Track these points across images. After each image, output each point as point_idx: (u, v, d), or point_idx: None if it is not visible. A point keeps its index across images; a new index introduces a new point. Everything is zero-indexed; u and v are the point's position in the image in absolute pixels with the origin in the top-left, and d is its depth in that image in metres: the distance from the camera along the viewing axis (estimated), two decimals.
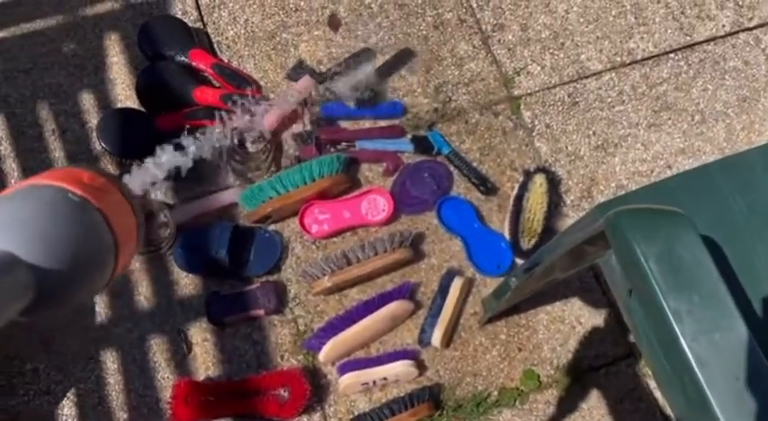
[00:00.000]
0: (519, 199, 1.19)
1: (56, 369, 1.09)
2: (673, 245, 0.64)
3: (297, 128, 1.26)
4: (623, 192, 1.23)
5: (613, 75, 1.32)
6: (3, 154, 1.22)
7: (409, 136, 1.25)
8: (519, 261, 1.17)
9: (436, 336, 1.11)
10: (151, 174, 0.99)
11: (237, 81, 1.25)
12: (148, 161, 1.00)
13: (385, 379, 1.09)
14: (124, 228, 0.56)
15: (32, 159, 1.21)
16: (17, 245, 0.48)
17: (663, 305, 0.63)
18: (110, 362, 1.10)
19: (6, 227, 0.49)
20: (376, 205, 1.20)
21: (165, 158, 1.02)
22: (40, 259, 0.48)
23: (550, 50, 1.33)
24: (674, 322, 0.62)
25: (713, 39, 1.35)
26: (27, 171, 1.20)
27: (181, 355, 1.11)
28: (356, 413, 1.09)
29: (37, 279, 0.48)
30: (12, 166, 1.21)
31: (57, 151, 1.22)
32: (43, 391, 1.08)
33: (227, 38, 1.31)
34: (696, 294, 0.62)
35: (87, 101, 1.25)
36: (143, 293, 1.14)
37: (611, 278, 0.82)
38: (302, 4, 1.34)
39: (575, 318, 1.16)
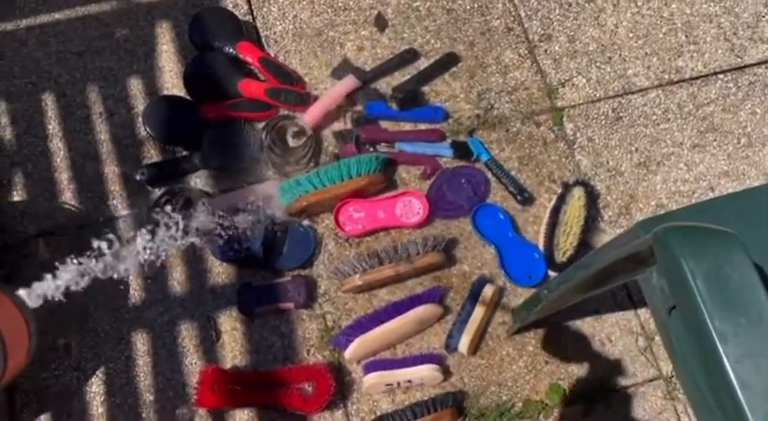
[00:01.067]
0: (556, 211, 1.18)
1: (88, 347, 1.11)
2: (722, 264, 0.63)
3: (338, 125, 1.27)
4: (662, 212, 1.21)
5: (660, 92, 1.30)
6: (50, 133, 1.24)
7: (449, 141, 1.25)
8: (552, 273, 1.16)
9: (463, 343, 1.10)
10: (48, 290, 0.94)
11: (282, 76, 1.27)
12: (47, 279, 0.94)
13: (409, 381, 1.09)
14: (15, 337, 0.59)
15: (79, 140, 1.24)
16: None
17: (708, 325, 0.62)
18: (140, 343, 1.12)
19: None
20: (411, 207, 1.20)
21: (63, 279, 0.97)
22: None
23: (597, 64, 1.32)
24: (718, 343, 0.61)
25: (765, 62, 1.32)
26: (73, 151, 1.23)
27: (209, 342, 1.12)
28: (378, 413, 1.09)
29: None
30: (58, 146, 1.24)
31: (102, 133, 1.25)
32: (74, 367, 1.10)
33: (275, 32, 1.33)
34: (743, 316, 0.61)
35: (135, 86, 1.28)
36: (177, 279, 1.16)
37: (650, 296, 0.81)
38: (351, 3, 1.35)
39: (605, 336, 1.14)
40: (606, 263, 0.80)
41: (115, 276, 1.00)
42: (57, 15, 1.33)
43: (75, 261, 0.97)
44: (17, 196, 1.20)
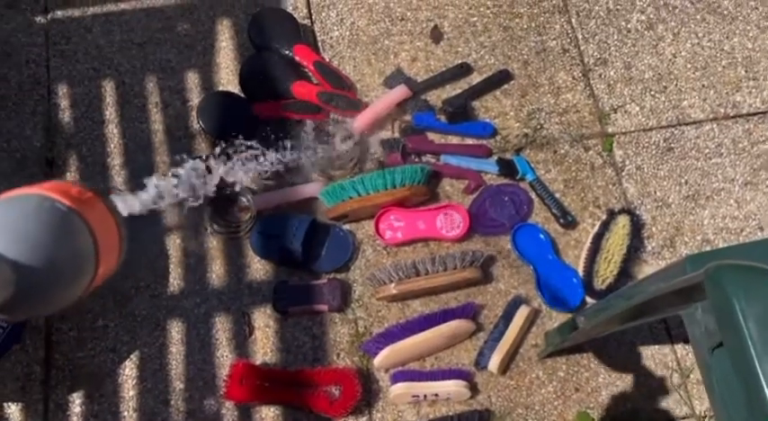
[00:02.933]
0: (599, 237, 1.16)
1: (125, 330, 1.13)
2: None
3: (385, 133, 1.28)
4: (708, 247, 1.19)
5: (714, 126, 1.28)
6: (107, 118, 1.28)
7: (495, 157, 1.25)
8: (589, 300, 1.15)
9: (494, 362, 1.10)
10: (139, 202, 0.96)
11: (335, 80, 1.28)
12: (139, 192, 0.98)
13: (436, 395, 1.09)
14: (107, 239, 0.60)
15: (133, 128, 1.27)
16: (1, 243, 0.53)
17: (756, 368, 0.60)
18: (175, 331, 1.14)
19: None
20: (452, 221, 1.20)
21: (153, 189, 1.00)
22: (21, 258, 0.53)
23: (652, 92, 1.30)
24: (765, 386, 0.60)
25: None
26: (126, 138, 1.26)
27: (242, 337, 1.14)
28: None
29: (17, 276, 0.52)
30: (113, 131, 1.27)
31: (157, 123, 1.28)
32: (109, 349, 1.13)
33: (331, 37, 1.34)
34: None
35: (192, 80, 1.31)
36: (215, 271, 1.18)
37: (693, 332, 0.79)
38: (408, 14, 1.36)
39: (639, 368, 1.12)
40: (651, 295, 0.78)
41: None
42: (122, 5, 1.37)
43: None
44: (70, 177, 1.24)
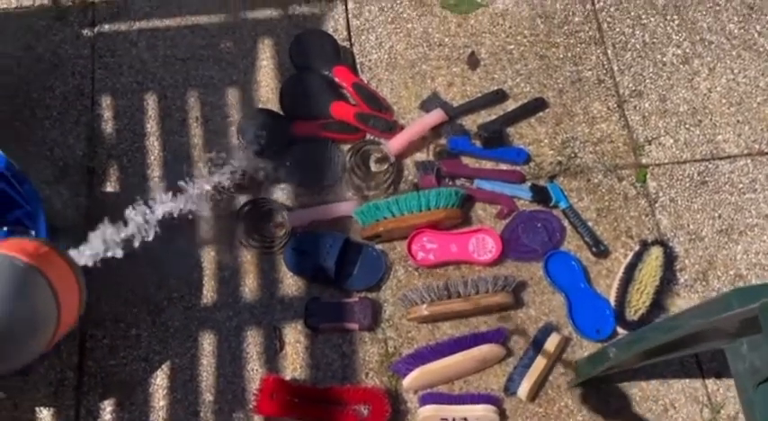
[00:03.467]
0: (631, 267, 1.17)
1: (157, 339, 1.15)
2: None
3: (420, 156, 1.29)
4: (741, 283, 1.18)
5: (749, 161, 1.28)
6: (148, 131, 1.31)
7: (529, 184, 1.26)
8: (621, 330, 1.14)
9: (523, 388, 1.10)
10: (95, 250, 0.94)
11: (373, 102, 1.30)
12: (93, 236, 0.95)
13: (465, 419, 1.08)
14: (67, 291, 0.62)
15: (174, 141, 1.30)
16: None
17: None
18: (207, 343, 1.15)
19: None
20: (484, 245, 1.20)
21: (108, 234, 0.97)
22: None
23: (686, 125, 1.31)
24: None
25: None
26: (167, 151, 1.29)
27: (273, 351, 1.14)
28: None
29: None
30: (154, 144, 1.30)
31: (196, 137, 1.30)
32: (141, 358, 1.14)
33: (369, 60, 1.37)
34: None
35: (233, 96, 1.33)
36: (248, 286, 1.19)
37: (737, 367, 0.79)
38: (446, 40, 1.39)
39: (669, 401, 1.12)
40: (696, 328, 0.78)
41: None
42: (167, 22, 1.40)
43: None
44: (110, 187, 1.26)
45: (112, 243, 0.96)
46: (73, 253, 0.88)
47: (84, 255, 0.89)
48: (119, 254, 0.93)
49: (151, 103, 1.33)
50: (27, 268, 0.60)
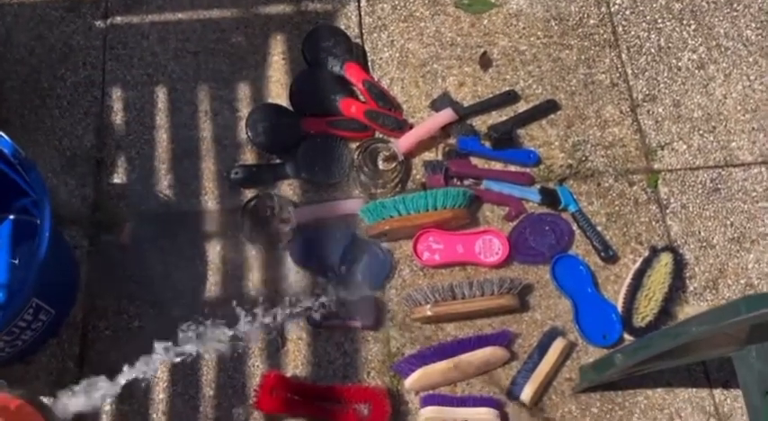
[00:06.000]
0: (640, 273, 1.15)
1: (160, 333, 1.14)
2: None
3: (429, 155, 1.28)
4: (752, 292, 1.16)
5: (763, 169, 1.26)
6: (157, 124, 1.30)
7: (538, 186, 1.25)
8: (627, 337, 1.13)
9: (527, 392, 1.08)
10: (81, 404, 0.95)
11: (383, 100, 1.30)
12: (79, 388, 0.95)
13: None
14: None
15: (182, 134, 1.29)
16: None
17: None
18: None
19: None
20: (491, 247, 1.19)
21: (99, 390, 0.97)
22: None
23: (700, 132, 1.29)
24: None
25: None
26: (175, 144, 1.28)
27: (274, 348, 1.13)
28: None
29: None
30: (162, 137, 1.29)
31: (205, 131, 1.30)
32: (143, 350, 1.13)
33: (381, 58, 1.36)
34: None
35: (242, 91, 1.33)
36: (252, 280, 1.18)
37: (744, 375, 0.77)
38: (459, 39, 1.38)
39: (674, 410, 1.10)
40: (704, 334, 0.77)
41: None
42: (179, 15, 1.40)
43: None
44: (117, 178, 1.26)
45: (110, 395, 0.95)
46: (63, 399, 0.85)
47: (76, 403, 0.87)
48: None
49: (161, 95, 1.33)
50: None
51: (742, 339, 0.75)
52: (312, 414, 1.07)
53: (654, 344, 0.91)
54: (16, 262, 1.16)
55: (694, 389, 1.11)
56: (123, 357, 1.12)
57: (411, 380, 1.09)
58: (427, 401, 1.09)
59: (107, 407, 1.10)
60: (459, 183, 1.25)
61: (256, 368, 1.12)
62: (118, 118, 1.31)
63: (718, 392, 1.11)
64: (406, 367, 1.11)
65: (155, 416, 1.09)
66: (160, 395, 1.11)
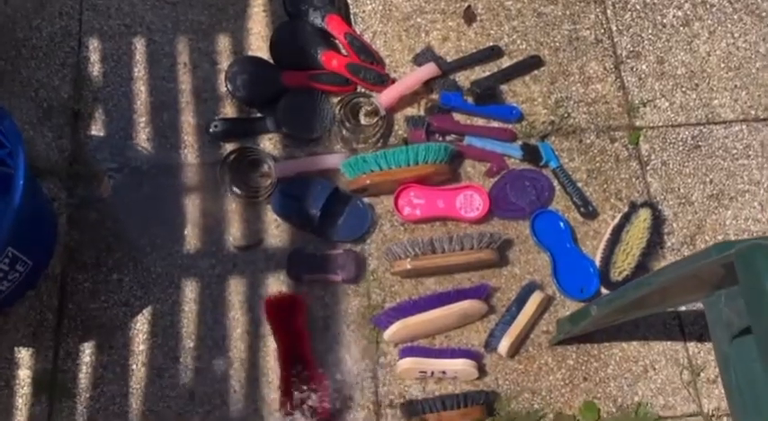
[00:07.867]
0: (619, 229, 1.16)
1: (139, 285, 1.14)
2: None
3: (411, 110, 1.27)
4: None
5: (744, 127, 1.27)
6: (135, 76, 1.28)
7: (520, 142, 1.24)
8: (604, 290, 1.14)
9: (504, 345, 1.09)
10: None
11: (365, 54, 1.28)
12: None
13: (443, 372, 1.08)
14: None
15: (160, 87, 1.27)
16: None
17: None
18: (188, 290, 1.14)
19: None
20: (471, 202, 1.19)
21: None
22: None
23: (683, 89, 1.29)
24: None
25: None
26: (153, 96, 1.26)
27: (255, 299, 1.13)
28: (408, 398, 1.09)
29: None
30: (140, 89, 1.27)
31: (184, 84, 1.28)
32: (122, 303, 1.13)
33: (364, 11, 1.34)
34: None
35: (222, 43, 1.30)
36: (232, 235, 1.18)
37: (713, 321, 0.79)
38: None
39: (649, 362, 1.12)
40: (674, 278, 0.78)
41: None
42: None
43: None
44: (95, 130, 1.24)
45: None
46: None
47: None
48: None
49: (139, 47, 1.30)
50: None
51: (713, 284, 0.76)
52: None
53: (627, 294, 0.92)
54: None
55: (669, 342, 1.13)
56: (102, 309, 1.12)
57: (390, 333, 1.10)
58: (406, 353, 1.10)
59: (87, 359, 1.10)
60: (440, 138, 1.25)
61: (236, 321, 1.13)
62: (95, 69, 1.28)
63: (692, 345, 1.13)
64: (385, 320, 1.11)
65: (135, 367, 1.10)
66: (140, 346, 1.11)
